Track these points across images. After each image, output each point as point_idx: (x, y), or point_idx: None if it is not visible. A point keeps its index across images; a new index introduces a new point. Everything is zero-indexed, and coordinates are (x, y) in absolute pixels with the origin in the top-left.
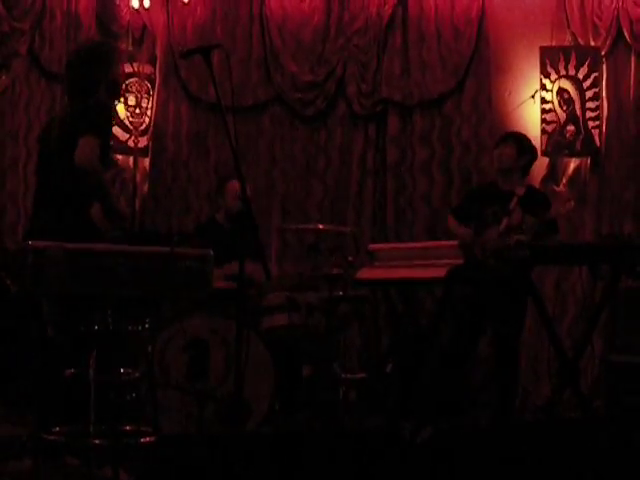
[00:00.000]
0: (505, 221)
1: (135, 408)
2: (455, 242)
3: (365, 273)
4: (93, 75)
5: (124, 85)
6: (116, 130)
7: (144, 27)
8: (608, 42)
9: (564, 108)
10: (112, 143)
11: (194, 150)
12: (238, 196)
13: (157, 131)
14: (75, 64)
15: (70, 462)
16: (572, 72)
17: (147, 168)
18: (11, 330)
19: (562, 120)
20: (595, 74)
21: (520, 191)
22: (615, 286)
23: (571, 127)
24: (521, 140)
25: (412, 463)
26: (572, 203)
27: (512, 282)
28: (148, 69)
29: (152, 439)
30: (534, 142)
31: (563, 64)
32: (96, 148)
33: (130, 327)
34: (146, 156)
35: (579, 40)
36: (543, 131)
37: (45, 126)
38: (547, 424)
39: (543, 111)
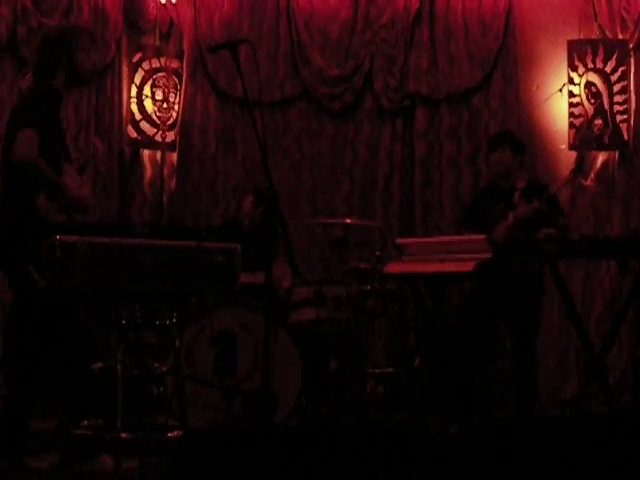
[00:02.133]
0: (511, 215)
1: (163, 402)
2: (483, 236)
3: (393, 267)
4: (50, 58)
5: (152, 80)
6: (143, 125)
7: (171, 22)
8: (636, 35)
9: (592, 102)
10: (65, 130)
11: (221, 145)
12: (247, 213)
13: (184, 126)
14: (39, 46)
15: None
16: (600, 65)
17: (175, 163)
18: (39, 325)
19: (590, 114)
20: (623, 67)
21: (521, 184)
22: None
23: (599, 121)
24: (513, 140)
25: (439, 458)
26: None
27: (536, 277)
28: (175, 64)
29: (179, 433)
30: (562, 136)
31: (591, 57)
32: (33, 141)
33: (158, 321)
34: (174, 151)
35: (607, 33)
36: (571, 125)
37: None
38: (574, 419)
39: (571, 105)
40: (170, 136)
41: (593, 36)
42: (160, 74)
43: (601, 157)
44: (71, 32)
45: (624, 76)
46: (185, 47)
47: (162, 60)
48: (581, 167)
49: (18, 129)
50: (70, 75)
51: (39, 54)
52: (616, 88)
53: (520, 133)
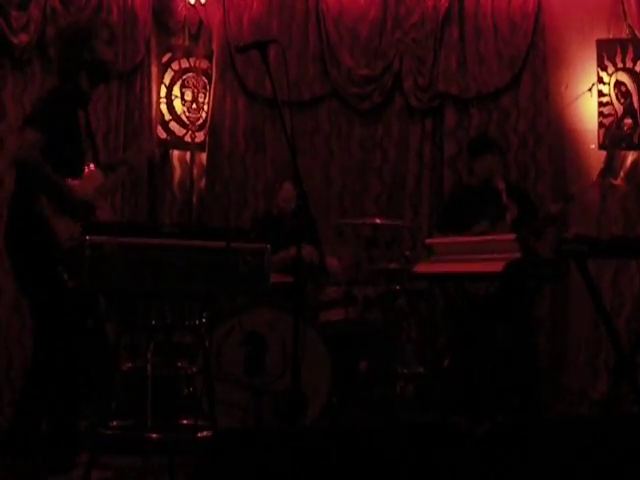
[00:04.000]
0: (508, 216)
1: (192, 402)
2: (512, 236)
3: (422, 267)
4: (70, 56)
5: (181, 80)
6: (173, 125)
7: (200, 22)
8: None
9: (621, 101)
10: (95, 131)
11: (251, 145)
12: (289, 199)
13: (214, 126)
14: (57, 45)
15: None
16: (629, 65)
17: (204, 163)
18: (68, 325)
19: (619, 113)
20: None
21: (501, 185)
22: None
23: (628, 120)
24: (499, 145)
25: (468, 458)
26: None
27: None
28: (205, 64)
29: (209, 433)
30: (592, 135)
31: (620, 57)
32: (35, 142)
33: (187, 322)
34: (203, 151)
35: (636, 32)
36: (600, 124)
37: None
38: (604, 419)
39: (600, 104)
40: (199, 136)
41: (622, 35)
42: (189, 74)
43: (631, 156)
44: (87, 26)
45: None
46: (214, 47)
47: (191, 60)
48: (610, 167)
49: (24, 128)
50: (94, 71)
51: (59, 54)
52: None
53: (549, 133)
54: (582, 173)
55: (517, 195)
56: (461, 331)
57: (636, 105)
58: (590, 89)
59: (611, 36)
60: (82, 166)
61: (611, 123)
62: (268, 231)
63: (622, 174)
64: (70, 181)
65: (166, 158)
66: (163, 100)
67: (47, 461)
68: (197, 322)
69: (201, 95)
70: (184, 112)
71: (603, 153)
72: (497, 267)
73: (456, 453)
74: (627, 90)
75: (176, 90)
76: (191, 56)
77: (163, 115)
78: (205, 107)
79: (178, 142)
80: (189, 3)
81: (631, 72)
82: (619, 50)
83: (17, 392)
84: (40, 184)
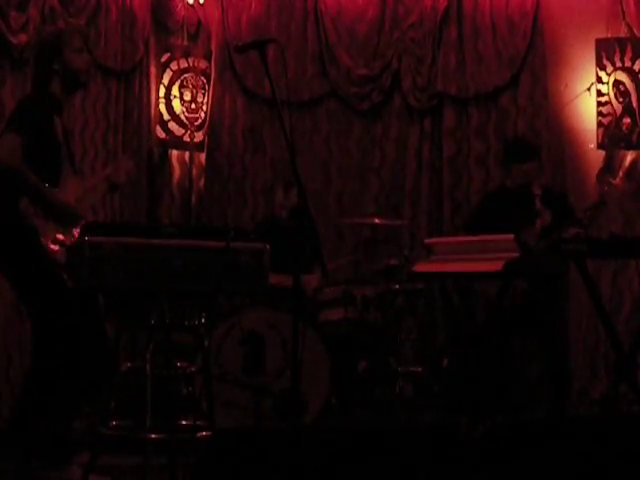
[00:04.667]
0: (538, 222)
1: (191, 402)
2: (512, 236)
3: (421, 267)
4: (42, 64)
5: (180, 80)
6: (172, 125)
7: (199, 22)
8: None
9: (620, 100)
10: (60, 138)
11: (250, 145)
12: (283, 205)
13: (213, 126)
14: (34, 52)
15: None
16: (628, 64)
17: (203, 163)
18: (67, 325)
19: (618, 113)
20: None
21: (538, 191)
22: None
23: (627, 119)
24: (539, 151)
25: (467, 458)
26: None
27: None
28: (203, 64)
29: (208, 433)
30: (590, 135)
31: (619, 56)
32: (15, 145)
33: (187, 321)
34: (202, 151)
35: (635, 31)
36: (599, 124)
37: None
38: (603, 419)
39: (599, 104)
40: (198, 136)
41: (621, 34)
42: (188, 74)
43: (630, 156)
44: (57, 36)
45: None
46: (213, 47)
47: (190, 60)
48: (609, 166)
49: (3, 133)
50: (67, 79)
51: (33, 61)
52: None
53: (548, 132)
54: (581, 173)
55: (554, 202)
56: (460, 331)
57: (635, 104)
58: (589, 88)
59: (610, 35)
60: (59, 174)
61: (610, 122)
62: (267, 238)
63: (621, 173)
64: (50, 188)
65: (165, 158)
66: (162, 100)
67: (46, 460)
68: (196, 322)
69: (200, 95)
70: (183, 112)
71: (602, 152)
72: (496, 267)
73: (456, 453)
74: (626, 89)
75: (175, 90)
76: (190, 56)
77: (162, 115)
78: (204, 107)
79: (177, 142)
80: (188, 3)
81: (630, 71)
82: (618, 49)
83: (16, 392)
84: (21, 188)
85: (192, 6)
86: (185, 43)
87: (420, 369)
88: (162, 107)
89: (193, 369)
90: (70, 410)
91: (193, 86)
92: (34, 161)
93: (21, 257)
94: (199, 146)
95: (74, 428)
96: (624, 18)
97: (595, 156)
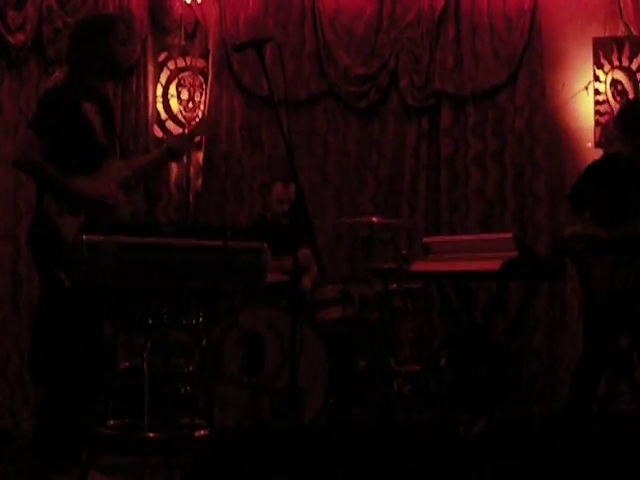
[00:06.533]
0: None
1: (189, 402)
2: (509, 234)
3: (419, 266)
4: (87, 49)
5: (177, 79)
6: (169, 124)
7: (196, 21)
8: None
9: (617, 99)
10: (93, 124)
11: (247, 144)
12: (282, 200)
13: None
14: (74, 34)
15: None
16: (625, 63)
17: (200, 162)
18: (65, 325)
19: (616, 111)
20: None
21: None
22: None
23: None
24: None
25: (465, 456)
26: None
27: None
28: (201, 63)
29: (206, 432)
30: (588, 134)
31: (616, 55)
32: (30, 142)
33: (184, 320)
34: (199, 150)
35: (632, 30)
36: (597, 123)
37: None
38: (602, 417)
39: (596, 103)
40: None
41: (619, 33)
42: (186, 73)
43: None
44: (109, 21)
45: None
46: (210, 46)
47: (187, 59)
48: None
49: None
50: (105, 66)
51: (73, 44)
52: None
53: (546, 131)
54: (578, 171)
55: None
56: (458, 329)
57: None
58: (586, 87)
59: (607, 34)
60: (98, 159)
61: (607, 121)
62: (263, 235)
63: None
64: (84, 178)
65: None
66: (159, 99)
67: (48, 460)
68: (194, 321)
69: (197, 94)
70: (180, 111)
71: (599, 151)
72: (494, 266)
73: (454, 452)
74: (623, 88)
75: (172, 89)
76: (187, 55)
77: (159, 114)
78: (201, 106)
79: None
80: (185, 2)
81: (627, 70)
82: (615, 48)
83: (13, 390)
84: (41, 184)
85: (189, 5)
86: (182, 42)
87: (418, 368)
88: (159, 106)
89: (191, 368)
90: (70, 410)
91: (190, 85)
92: (63, 152)
93: (38, 252)
94: (196, 145)
95: (74, 428)
96: (621, 17)
97: (592, 155)
